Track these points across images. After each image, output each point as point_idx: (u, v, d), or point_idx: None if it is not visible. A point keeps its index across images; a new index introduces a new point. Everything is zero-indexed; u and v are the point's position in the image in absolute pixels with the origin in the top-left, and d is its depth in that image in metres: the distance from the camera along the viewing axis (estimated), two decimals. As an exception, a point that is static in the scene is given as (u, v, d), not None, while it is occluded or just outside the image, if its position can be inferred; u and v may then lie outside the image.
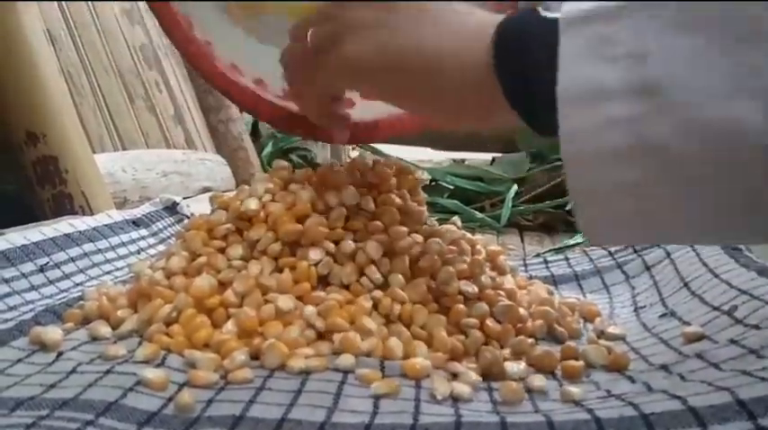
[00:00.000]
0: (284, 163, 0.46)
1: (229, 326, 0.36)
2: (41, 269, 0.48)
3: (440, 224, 0.47)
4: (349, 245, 0.40)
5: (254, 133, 1.44)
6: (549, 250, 0.76)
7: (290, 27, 0.41)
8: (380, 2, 0.36)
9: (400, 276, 0.40)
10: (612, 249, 0.60)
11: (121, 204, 0.88)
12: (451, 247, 0.43)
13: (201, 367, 0.33)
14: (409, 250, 0.41)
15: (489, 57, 0.31)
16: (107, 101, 1.04)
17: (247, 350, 0.35)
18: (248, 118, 1.45)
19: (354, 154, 1.64)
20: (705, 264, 0.47)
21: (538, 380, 0.33)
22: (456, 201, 1.08)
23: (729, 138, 0.25)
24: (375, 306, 0.38)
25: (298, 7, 0.47)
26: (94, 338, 0.37)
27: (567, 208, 1.05)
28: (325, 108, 0.43)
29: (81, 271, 0.51)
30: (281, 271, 0.40)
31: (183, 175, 1.06)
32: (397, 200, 0.44)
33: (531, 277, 0.56)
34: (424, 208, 0.46)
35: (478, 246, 0.46)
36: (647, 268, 0.54)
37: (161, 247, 0.61)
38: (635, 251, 0.58)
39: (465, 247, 0.44)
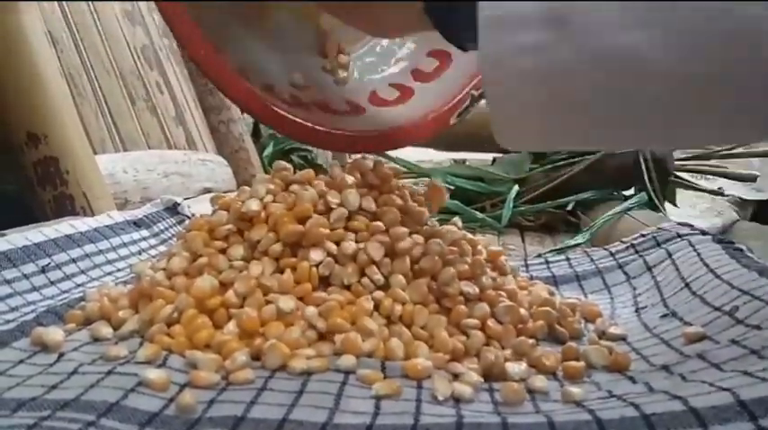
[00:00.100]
0: (285, 164, 0.46)
1: (230, 326, 0.36)
2: (43, 270, 0.48)
3: (441, 224, 0.47)
4: (350, 245, 0.40)
5: (255, 134, 1.44)
6: (551, 250, 0.76)
7: None
8: None
9: (401, 277, 0.40)
10: (613, 250, 0.60)
11: (122, 205, 0.88)
12: (452, 248, 0.43)
13: (203, 368, 0.33)
14: (410, 251, 0.41)
15: None
16: (108, 102, 1.04)
17: (248, 351, 0.35)
18: (249, 119, 1.45)
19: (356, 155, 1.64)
20: (706, 265, 0.47)
21: (539, 381, 0.33)
22: (457, 202, 1.08)
23: (629, 64, 0.28)
24: (376, 306, 0.38)
25: (301, 8, 0.47)
26: (96, 339, 0.37)
27: (569, 208, 1.05)
28: None
29: (82, 271, 0.51)
30: (282, 271, 0.40)
31: (184, 176, 1.07)
32: (398, 200, 0.44)
33: (532, 277, 0.56)
34: (425, 209, 0.46)
35: (479, 247, 0.46)
36: (649, 268, 0.54)
37: (162, 248, 0.61)
38: (636, 251, 0.58)
39: (466, 248, 0.44)
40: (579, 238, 0.81)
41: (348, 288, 0.40)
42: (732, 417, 0.24)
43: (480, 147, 1.47)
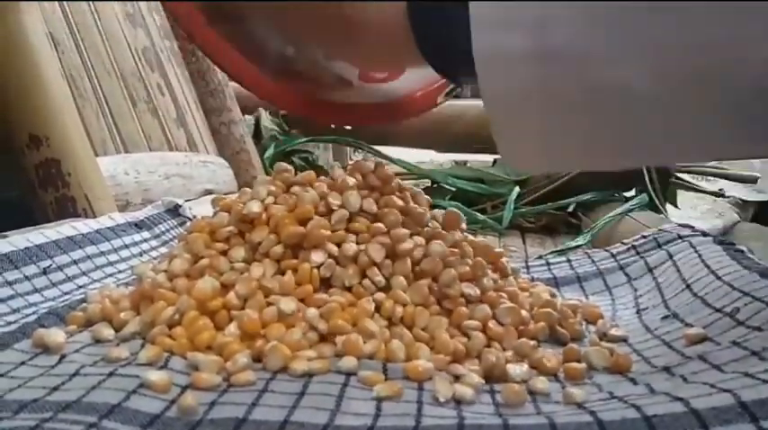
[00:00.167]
0: (286, 165, 0.47)
1: (232, 328, 0.36)
2: (44, 271, 0.48)
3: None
4: (351, 247, 0.40)
5: (257, 135, 1.44)
6: (551, 252, 0.76)
7: None
8: None
9: (402, 278, 0.40)
10: (614, 251, 0.60)
11: (124, 207, 0.88)
12: (453, 250, 0.43)
13: (204, 369, 0.33)
14: (411, 252, 0.41)
15: (404, 12, 0.34)
16: (109, 104, 1.04)
17: (250, 352, 0.35)
18: (250, 120, 1.46)
19: (357, 156, 1.64)
20: (707, 266, 0.47)
21: (540, 383, 0.33)
22: (458, 203, 1.08)
23: (617, 97, 0.30)
24: (377, 308, 0.39)
25: None
26: (97, 341, 0.37)
27: (570, 210, 1.05)
28: None
29: (84, 273, 0.51)
30: (283, 273, 0.40)
31: (186, 178, 1.07)
32: (399, 202, 0.44)
33: (533, 279, 0.56)
34: (427, 210, 0.46)
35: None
36: (650, 270, 0.54)
37: (163, 250, 0.61)
38: (637, 253, 0.58)
39: (467, 250, 0.44)
40: (580, 240, 0.81)
41: (349, 289, 0.40)
42: (733, 419, 0.24)
43: (481, 148, 1.47)
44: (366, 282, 0.40)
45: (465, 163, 1.42)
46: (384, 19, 0.35)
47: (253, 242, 0.41)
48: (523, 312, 0.41)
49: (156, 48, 1.21)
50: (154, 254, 0.60)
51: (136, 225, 0.63)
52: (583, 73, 0.30)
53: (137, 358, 0.34)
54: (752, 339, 0.34)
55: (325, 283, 0.40)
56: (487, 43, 0.30)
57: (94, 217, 0.70)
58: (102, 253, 0.55)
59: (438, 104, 0.50)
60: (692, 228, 0.58)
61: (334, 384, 0.32)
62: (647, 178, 1.06)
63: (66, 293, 0.47)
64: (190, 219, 0.68)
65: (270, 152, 1.35)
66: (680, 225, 0.60)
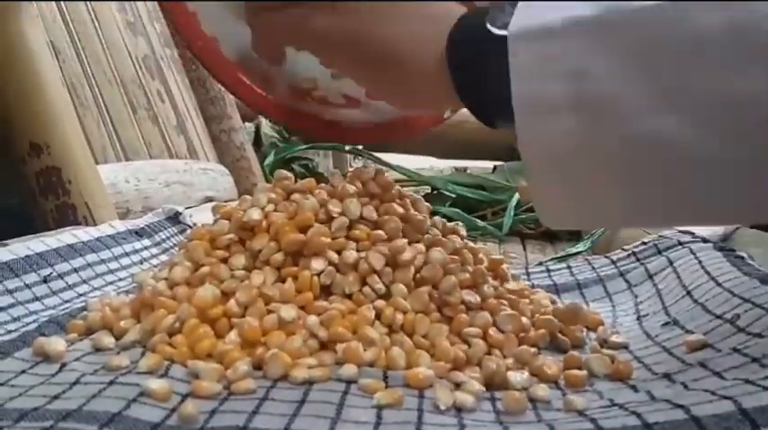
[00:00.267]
0: (286, 172, 0.47)
1: (232, 336, 0.36)
2: (45, 280, 0.48)
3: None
4: (351, 254, 0.40)
5: (257, 143, 1.44)
6: (552, 258, 0.76)
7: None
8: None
9: (402, 286, 0.40)
10: (615, 257, 0.60)
11: (124, 214, 0.88)
12: (453, 257, 0.43)
13: (204, 377, 0.33)
14: (412, 260, 0.41)
15: (443, 57, 0.34)
16: (110, 111, 1.04)
17: (250, 360, 0.35)
18: (250, 127, 1.46)
19: (357, 163, 1.64)
20: (707, 273, 0.47)
21: (541, 390, 0.33)
22: (458, 210, 1.08)
23: (659, 147, 0.29)
24: (377, 316, 0.39)
25: None
26: (98, 349, 0.37)
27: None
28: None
29: (84, 281, 0.51)
30: (283, 281, 0.40)
31: (186, 185, 1.07)
32: (399, 209, 0.44)
33: (533, 286, 0.56)
34: (427, 217, 0.46)
35: (480, 255, 0.46)
36: (650, 276, 0.54)
37: (164, 257, 0.61)
38: (637, 259, 0.58)
39: (467, 257, 0.44)
40: (580, 246, 0.82)
41: (349, 297, 0.40)
42: (734, 426, 0.24)
43: (482, 155, 1.47)
44: (366, 289, 0.40)
45: (465, 169, 1.43)
46: (425, 62, 0.35)
47: (253, 250, 0.41)
48: (524, 319, 0.41)
49: (156, 55, 1.22)
50: (154, 261, 0.60)
51: (136, 233, 0.63)
52: (623, 122, 0.29)
53: (137, 366, 0.34)
54: (752, 346, 0.34)
55: (326, 291, 0.40)
56: (526, 91, 0.30)
57: (95, 225, 0.70)
58: (103, 261, 0.55)
59: (446, 120, 0.50)
60: (692, 234, 0.58)
61: (335, 392, 0.32)
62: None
63: (66, 301, 0.47)
64: (190, 227, 0.68)
65: (270, 159, 1.35)
66: (680, 231, 0.60)
